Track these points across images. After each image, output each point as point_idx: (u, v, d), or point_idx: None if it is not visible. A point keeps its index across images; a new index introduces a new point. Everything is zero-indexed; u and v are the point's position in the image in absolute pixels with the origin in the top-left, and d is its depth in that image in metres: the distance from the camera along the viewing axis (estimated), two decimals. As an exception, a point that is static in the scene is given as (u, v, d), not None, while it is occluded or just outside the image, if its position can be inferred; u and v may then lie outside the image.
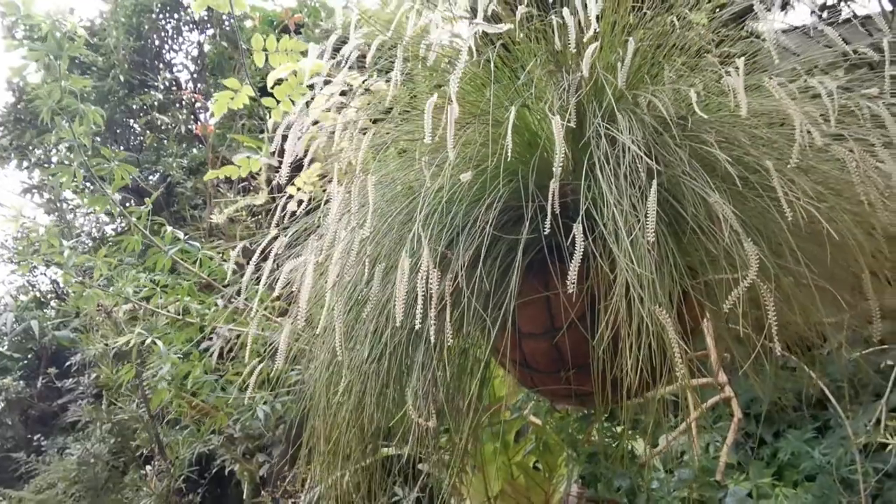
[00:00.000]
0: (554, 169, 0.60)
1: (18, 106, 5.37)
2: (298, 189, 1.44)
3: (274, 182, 2.01)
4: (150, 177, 5.06)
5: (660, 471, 1.86)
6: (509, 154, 0.61)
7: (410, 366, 0.72)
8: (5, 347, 5.46)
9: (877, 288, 0.79)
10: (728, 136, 0.66)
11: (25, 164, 5.40)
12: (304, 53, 1.41)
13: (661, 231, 0.63)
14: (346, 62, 0.85)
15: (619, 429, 1.24)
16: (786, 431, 2.25)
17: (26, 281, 5.55)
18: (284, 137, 0.90)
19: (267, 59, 1.57)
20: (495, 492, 1.87)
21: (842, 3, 3.05)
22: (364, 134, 0.77)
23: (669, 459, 1.89)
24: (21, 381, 5.33)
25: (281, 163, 1.06)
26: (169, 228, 1.57)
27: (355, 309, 0.75)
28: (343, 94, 0.95)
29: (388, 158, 0.91)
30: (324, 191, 1.29)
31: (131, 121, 5.45)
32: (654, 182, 0.59)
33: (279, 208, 1.13)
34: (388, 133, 0.84)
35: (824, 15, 3.08)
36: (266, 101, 1.37)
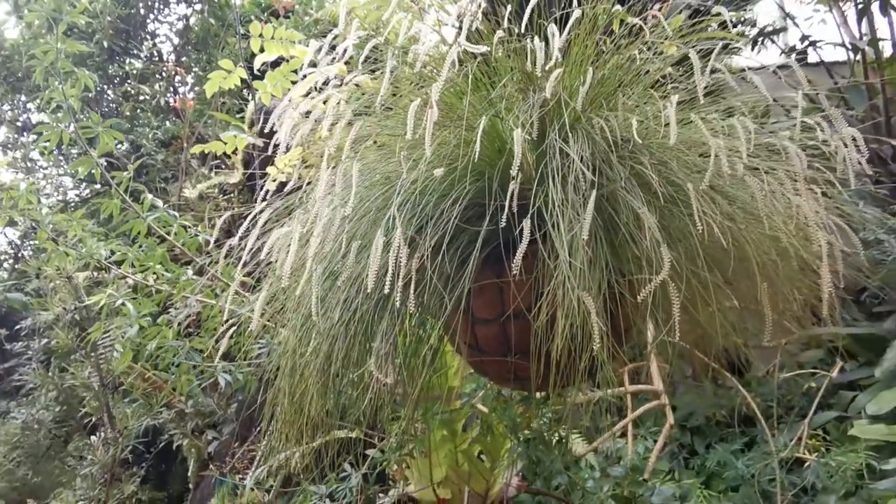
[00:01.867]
0: (512, 172, 0.70)
1: (-4, 61, 5.26)
2: (279, 171, 1.52)
3: (256, 162, 2.07)
4: (119, 145, 5.01)
5: (595, 470, 1.99)
6: (477, 157, 0.71)
7: (374, 332, 0.81)
8: (-49, 308, 5.31)
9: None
10: (661, 159, 0.78)
11: (-7, 120, 5.29)
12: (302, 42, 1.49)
13: (598, 234, 0.74)
14: (341, 57, 0.94)
15: (552, 416, 1.36)
16: (717, 444, 2.42)
17: (-21, 241, 5.43)
18: (267, 119, 0.99)
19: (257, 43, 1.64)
20: (440, 477, 1.97)
21: (809, 48, 3.24)
22: (351, 125, 0.86)
23: (606, 461, 2.02)
24: (-36, 343, 5.20)
25: (267, 144, 1.14)
26: (149, 196, 1.63)
27: (330, 279, 0.84)
28: (327, 83, 1.04)
29: (370, 149, 1.00)
30: (293, 171, 1.37)
31: (107, 87, 5.39)
32: (594, 192, 0.70)
33: (260, 187, 1.21)
34: (372, 125, 0.93)
35: (793, 57, 3.28)
36: (258, 84, 1.45)
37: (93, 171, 1.66)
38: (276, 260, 0.88)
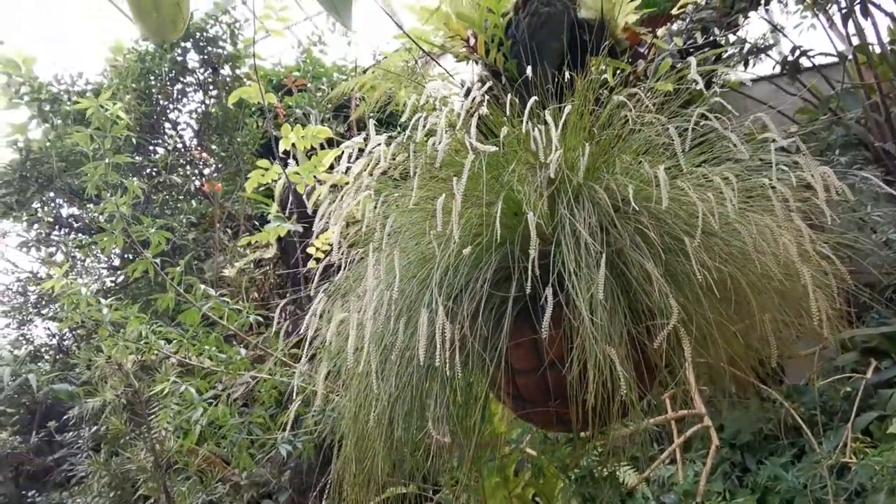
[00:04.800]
0: (530, 252, 0.81)
1: (26, 164, 5.57)
2: (317, 249, 1.65)
3: (301, 246, 2.21)
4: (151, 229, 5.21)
5: (650, 500, 2.04)
6: (498, 234, 0.83)
7: (428, 396, 0.92)
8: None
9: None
10: (658, 216, 0.89)
11: (25, 217, 5.57)
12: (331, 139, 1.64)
13: (614, 290, 0.84)
14: (368, 157, 1.08)
15: (600, 452, 1.42)
16: (767, 458, 2.44)
17: (20, 335, 5.61)
18: (297, 197, 1.12)
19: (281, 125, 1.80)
20: (497, 524, 2.02)
21: (801, 57, 3.35)
22: (387, 214, 0.99)
23: (659, 489, 2.06)
24: (16, 437, 5.30)
25: (307, 229, 1.27)
26: (202, 287, 1.77)
27: (384, 353, 0.95)
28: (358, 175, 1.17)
29: (403, 223, 1.12)
30: (330, 250, 1.50)
31: (133, 177, 5.66)
32: (604, 255, 0.80)
33: (301, 272, 1.33)
34: (408, 212, 1.06)
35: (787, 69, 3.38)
36: (292, 176, 1.60)
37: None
38: (331, 339, 0.99)
